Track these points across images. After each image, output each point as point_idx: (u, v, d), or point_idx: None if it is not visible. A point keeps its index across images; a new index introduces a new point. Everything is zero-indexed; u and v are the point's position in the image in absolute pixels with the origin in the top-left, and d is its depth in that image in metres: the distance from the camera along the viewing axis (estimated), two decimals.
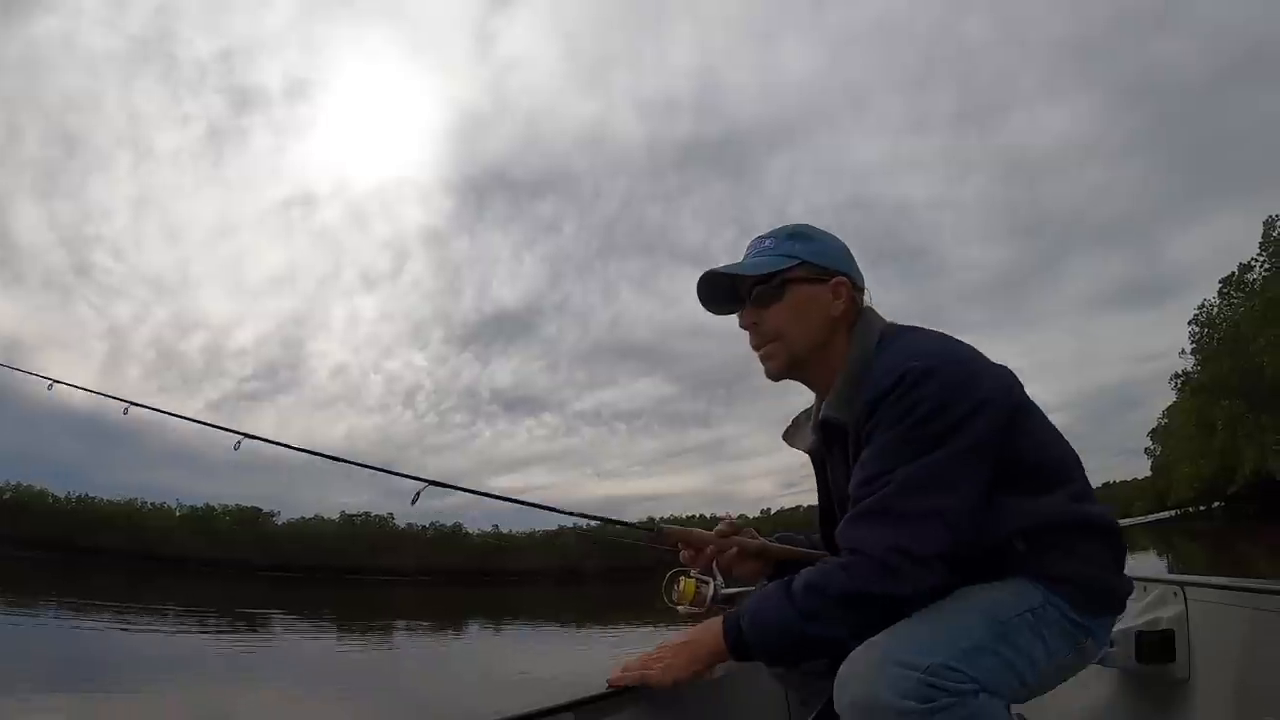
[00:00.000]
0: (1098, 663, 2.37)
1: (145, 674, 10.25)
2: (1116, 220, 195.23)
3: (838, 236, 1.67)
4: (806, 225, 1.66)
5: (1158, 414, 60.26)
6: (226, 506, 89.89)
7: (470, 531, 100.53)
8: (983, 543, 1.42)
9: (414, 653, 15.27)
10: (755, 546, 1.77)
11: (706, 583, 1.70)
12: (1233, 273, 43.14)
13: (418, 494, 1.98)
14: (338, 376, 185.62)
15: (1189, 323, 46.27)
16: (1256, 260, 41.27)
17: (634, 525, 1.88)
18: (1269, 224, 39.94)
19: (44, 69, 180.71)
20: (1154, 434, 61.10)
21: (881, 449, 1.41)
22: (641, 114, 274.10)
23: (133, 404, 2.86)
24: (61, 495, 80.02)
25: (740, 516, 2.39)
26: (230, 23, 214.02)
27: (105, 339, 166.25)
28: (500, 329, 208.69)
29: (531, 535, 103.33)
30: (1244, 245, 47.48)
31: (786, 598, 1.41)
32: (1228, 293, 43.45)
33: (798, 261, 1.58)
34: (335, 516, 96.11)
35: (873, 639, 1.37)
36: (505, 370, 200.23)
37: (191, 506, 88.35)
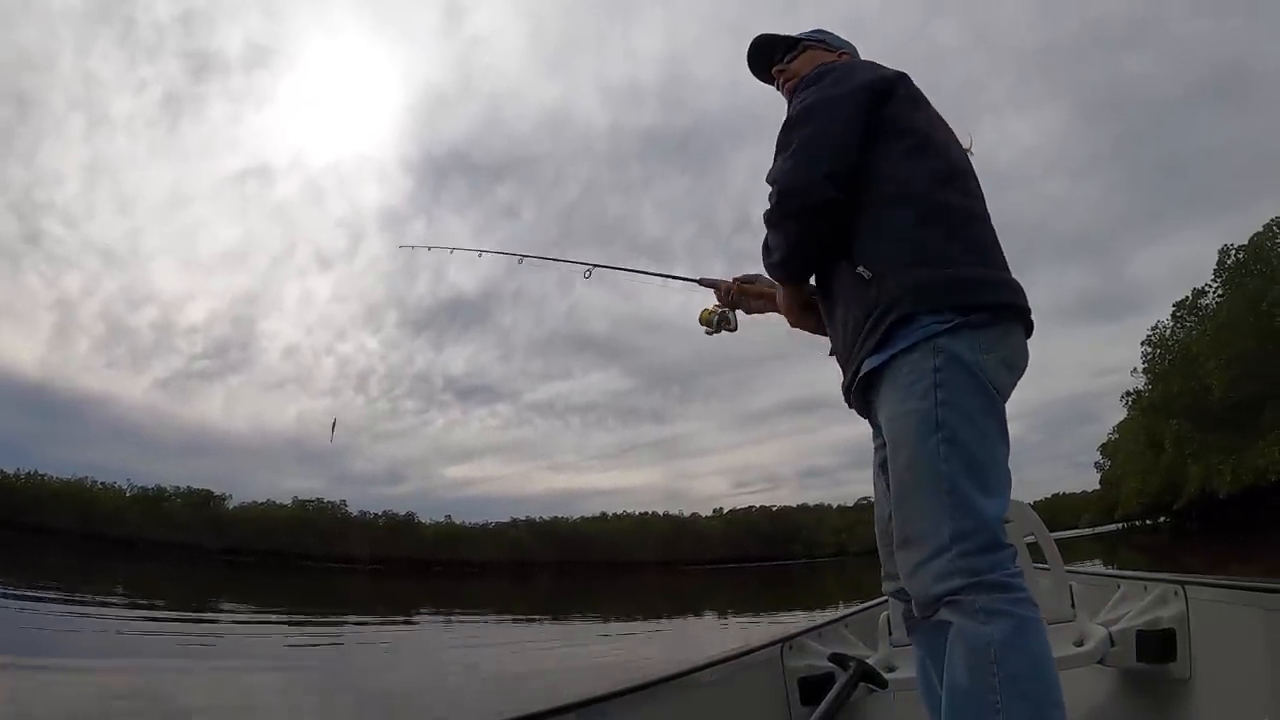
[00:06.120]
0: (1098, 662, 2.40)
1: (87, 658, 10.01)
2: (1078, 233, 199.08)
3: (830, 31, 2.23)
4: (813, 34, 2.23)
5: (1110, 429, 61.54)
6: (178, 488, 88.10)
7: (423, 521, 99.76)
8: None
9: (368, 644, 15.08)
10: (762, 287, 2.24)
11: (723, 312, 2.33)
12: (1186, 296, 44.16)
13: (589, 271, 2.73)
14: (289, 357, 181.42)
15: (1142, 343, 47.17)
16: (1210, 286, 42.26)
17: (690, 278, 2.46)
18: (1224, 252, 40.93)
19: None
20: (1105, 449, 62.43)
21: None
22: (606, 100, 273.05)
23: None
24: (10, 472, 77.36)
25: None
26: None
27: (54, 310, 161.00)
28: (455, 315, 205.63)
29: (485, 528, 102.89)
30: (1204, 264, 48.45)
31: (765, 257, 1.83)
32: (1181, 316, 44.37)
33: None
34: (288, 502, 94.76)
35: (898, 555, 1.52)
36: (459, 358, 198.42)
37: (142, 487, 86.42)
